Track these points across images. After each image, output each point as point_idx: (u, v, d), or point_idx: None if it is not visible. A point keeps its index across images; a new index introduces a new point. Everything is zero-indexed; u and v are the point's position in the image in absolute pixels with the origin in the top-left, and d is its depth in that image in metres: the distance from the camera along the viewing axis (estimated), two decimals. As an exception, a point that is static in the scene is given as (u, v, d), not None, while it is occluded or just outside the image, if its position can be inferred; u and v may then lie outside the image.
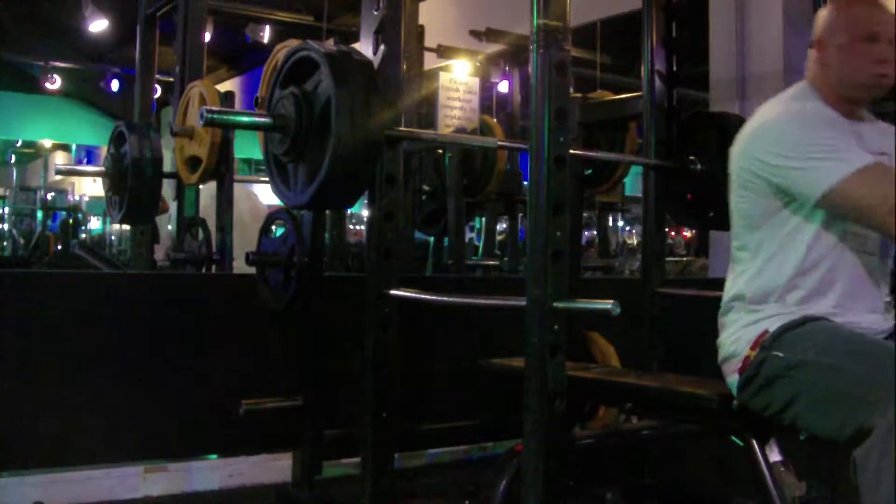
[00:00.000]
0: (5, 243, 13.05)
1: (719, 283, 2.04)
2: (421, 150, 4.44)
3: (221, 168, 3.29)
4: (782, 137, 1.83)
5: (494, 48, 6.51)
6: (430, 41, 5.56)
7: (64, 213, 12.72)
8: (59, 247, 10.60)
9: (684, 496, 2.76)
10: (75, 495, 2.66)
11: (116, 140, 3.42)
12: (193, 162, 3.40)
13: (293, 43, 2.40)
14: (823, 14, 1.96)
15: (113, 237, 13.05)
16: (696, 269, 7.84)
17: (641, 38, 2.91)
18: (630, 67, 7.13)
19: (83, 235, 13.14)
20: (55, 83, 10.84)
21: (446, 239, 4.62)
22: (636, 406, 2.26)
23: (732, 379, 1.88)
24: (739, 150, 1.92)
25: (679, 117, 2.90)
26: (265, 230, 2.73)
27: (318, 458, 2.50)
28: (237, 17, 7.52)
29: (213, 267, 3.34)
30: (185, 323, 2.84)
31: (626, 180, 4.26)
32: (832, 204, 1.76)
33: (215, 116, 2.15)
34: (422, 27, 4.99)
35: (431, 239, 5.23)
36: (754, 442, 1.89)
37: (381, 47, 2.32)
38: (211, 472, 2.89)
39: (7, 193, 14.46)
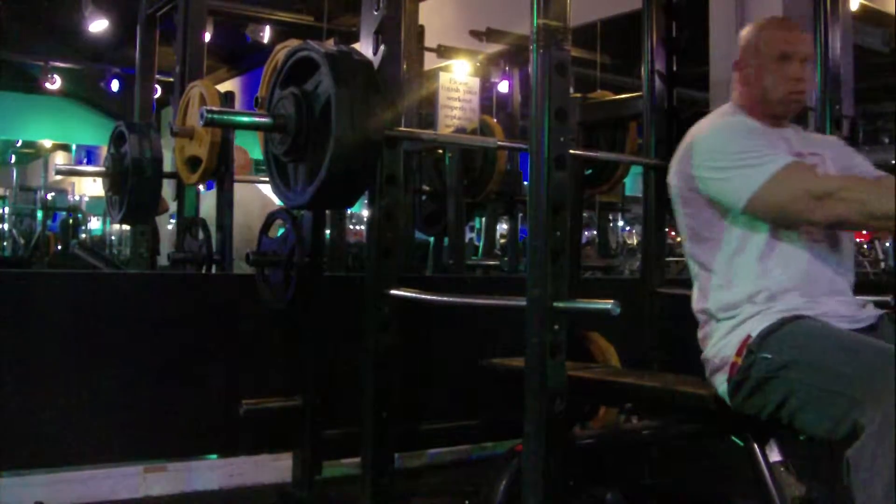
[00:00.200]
0: (5, 243, 13.03)
1: (719, 283, 2.04)
2: (421, 150, 4.44)
3: (221, 168, 3.29)
4: (709, 149, 1.93)
5: (494, 48, 6.51)
6: (430, 41, 5.56)
7: (64, 213, 12.70)
8: (59, 247, 10.58)
9: (684, 496, 2.76)
10: (75, 495, 2.66)
11: (116, 140, 3.41)
12: (193, 162, 3.40)
13: (293, 43, 2.40)
14: (743, 35, 2.08)
15: (113, 237, 13.05)
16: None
17: (641, 38, 2.91)
18: (630, 67, 7.12)
19: (83, 235, 13.13)
20: (55, 83, 10.81)
21: (446, 239, 4.62)
22: (636, 406, 2.26)
23: (723, 388, 1.88)
24: (674, 169, 2.01)
25: (679, 117, 2.90)
26: (265, 230, 2.73)
27: (318, 458, 2.50)
28: (237, 17, 7.50)
29: (213, 267, 3.33)
30: (185, 323, 2.84)
31: (626, 180, 4.26)
32: (755, 211, 1.85)
33: (215, 116, 2.16)
34: (422, 27, 5.00)
35: (431, 239, 5.23)
36: (754, 442, 1.89)
37: (381, 47, 2.32)
38: (211, 472, 2.89)
39: (7, 193, 14.45)
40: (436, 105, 3.29)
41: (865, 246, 10.71)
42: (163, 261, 4.21)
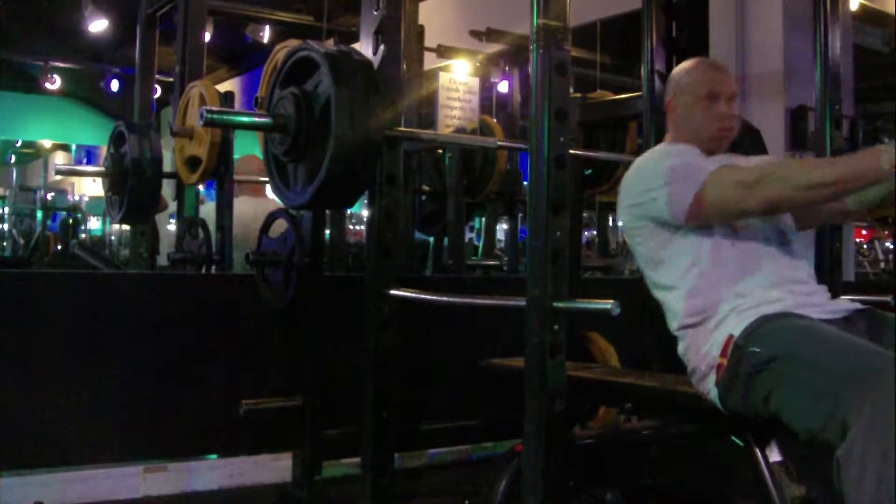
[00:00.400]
0: (5, 243, 13.03)
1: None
2: (421, 150, 4.44)
3: (221, 168, 3.29)
4: (645, 173, 2.04)
5: (494, 48, 6.50)
6: (430, 41, 5.56)
7: (64, 213, 12.70)
8: (59, 247, 10.57)
9: (684, 496, 2.76)
10: (75, 495, 2.66)
11: (116, 140, 3.41)
12: (193, 162, 3.39)
13: (293, 43, 2.40)
14: (673, 76, 2.19)
15: (113, 237, 13.04)
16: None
17: (641, 38, 2.91)
18: (630, 67, 7.12)
19: (83, 235, 13.12)
20: (55, 83, 10.81)
21: (446, 239, 4.61)
22: (636, 406, 2.26)
23: (713, 393, 1.88)
24: (621, 203, 2.10)
25: (679, 117, 2.90)
26: (265, 230, 2.73)
27: (318, 458, 2.51)
28: (237, 17, 7.49)
29: (213, 267, 3.33)
30: (185, 323, 2.84)
31: (626, 180, 4.25)
32: (697, 216, 1.92)
33: (215, 116, 2.16)
34: (422, 27, 4.99)
35: (431, 239, 5.23)
36: (754, 442, 1.89)
37: (381, 47, 2.32)
38: (211, 472, 2.89)
39: (7, 193, 14.45)
40: (436, 105, 3.29)
41: (865, 246, 10.71)
42: (162, 261, 4.21)
